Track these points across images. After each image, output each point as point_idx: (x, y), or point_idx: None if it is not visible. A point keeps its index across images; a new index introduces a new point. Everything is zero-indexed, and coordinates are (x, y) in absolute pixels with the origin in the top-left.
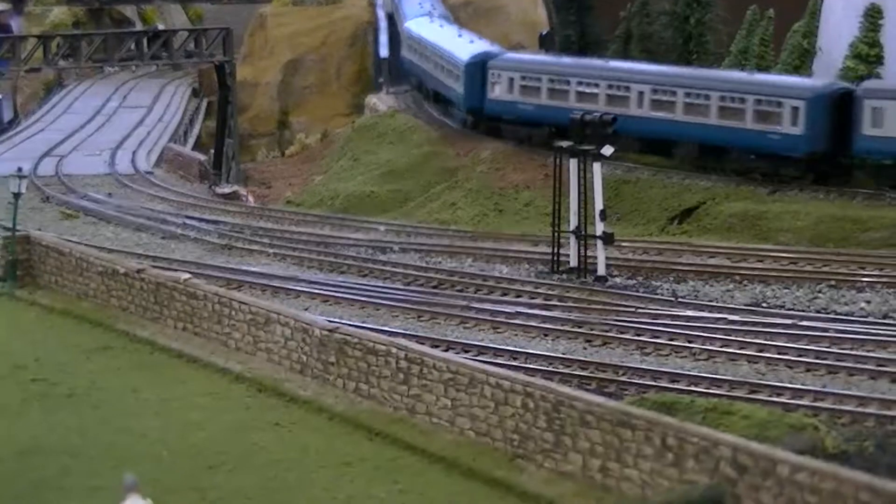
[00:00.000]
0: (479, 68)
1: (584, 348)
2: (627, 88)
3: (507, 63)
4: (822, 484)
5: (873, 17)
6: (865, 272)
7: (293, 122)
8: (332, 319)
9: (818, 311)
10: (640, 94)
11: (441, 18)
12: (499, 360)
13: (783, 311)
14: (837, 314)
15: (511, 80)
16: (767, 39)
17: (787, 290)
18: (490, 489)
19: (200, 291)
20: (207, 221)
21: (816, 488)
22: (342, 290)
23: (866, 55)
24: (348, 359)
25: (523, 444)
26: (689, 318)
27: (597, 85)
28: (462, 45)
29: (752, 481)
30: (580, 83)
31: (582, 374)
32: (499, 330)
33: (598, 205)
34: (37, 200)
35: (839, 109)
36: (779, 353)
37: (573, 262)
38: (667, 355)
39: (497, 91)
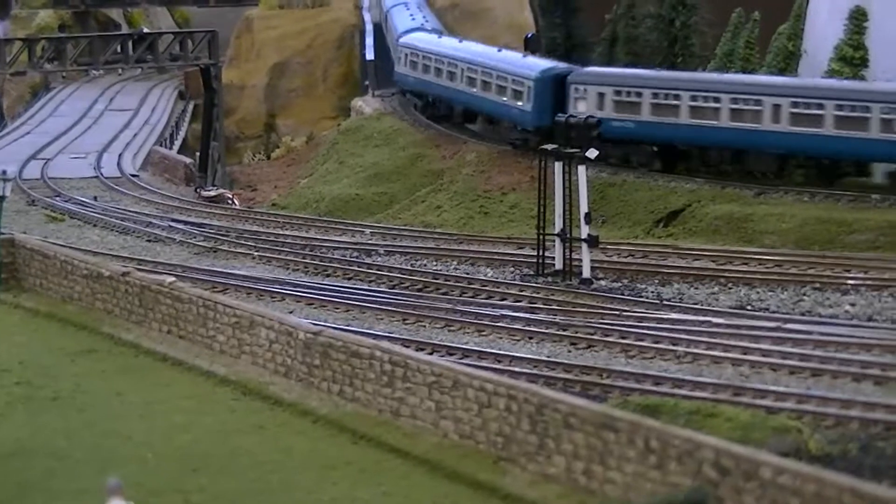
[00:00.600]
0: (551, 84)
1: (569, 351)
2: (759, 102)
3: (595, 77)
4: (804, 486)
5: (858, 19)
6: (850, 275)
7: (280, 124)
8: (316, 322)
9: (803, 314)
10: (776, 107)
11: (436, 32)
12: (483, 363)
13: (768, 314)
14: (822, 317)
15: (601, 95)
16: (753, 42)
17: (771, 293)
18: (474, 491)
19: (185, 294)
20: (193, 224)
21: (799, 490)
22: (327, 293)
23: (851, 57)
24: (333, 362)
25: (507, 447)
26: (673, 321)
27: (717, 99)
28: (517, 60)
29: (734, 483)
30: (695, 97)
31: (566, 376)
32: (484, 333)
33: (584, 208)
34: (22, 203)
35: None
36: (763, 356)
37: (558, 265)
38: (651, 358)
39: (582, 108)
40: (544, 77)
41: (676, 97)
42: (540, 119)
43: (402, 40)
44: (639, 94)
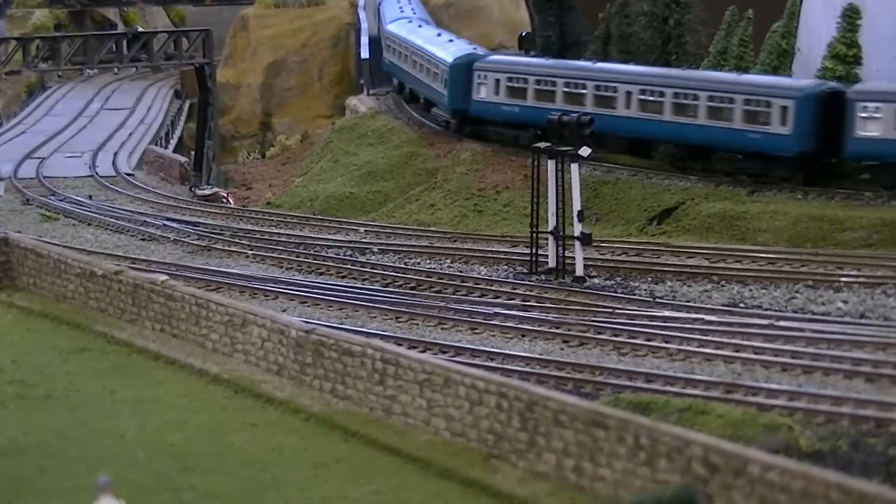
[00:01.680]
0: (817, 102)
1: (562, 349)
2: None
3: (892, 93)
4: (792, 483)
5: (851, 17)
6: (843, 272)
7: (276, 123)
8: (309, 321)
9: (795, 312)
10: None
11: (476, 49)
12: (476, 361)
13: (760, 312)
14: (814, 314)
15: None
16: (746, 40)
17: (764, 291)
18: (465, 489)
19: (178, 293)
20: (188, 223)
21: (787, 487)
22: (321, 291)
23: (844, 55)
24: (324, 360)
25: (498, 444)
26: (666, 319)
27: None
28: (740, 78)
29: (723, 480)
30: None
31: (558, 374)
32: (477, 331)
33: (577, 205)
34: (17, 202)
35: None
36: (755, 354)
37: (551, 263)
38: (643, 356)
39: (873, 129)
40: (810, 95)
41: None
42: (805, 143)
43: (479, 64)
44: None
